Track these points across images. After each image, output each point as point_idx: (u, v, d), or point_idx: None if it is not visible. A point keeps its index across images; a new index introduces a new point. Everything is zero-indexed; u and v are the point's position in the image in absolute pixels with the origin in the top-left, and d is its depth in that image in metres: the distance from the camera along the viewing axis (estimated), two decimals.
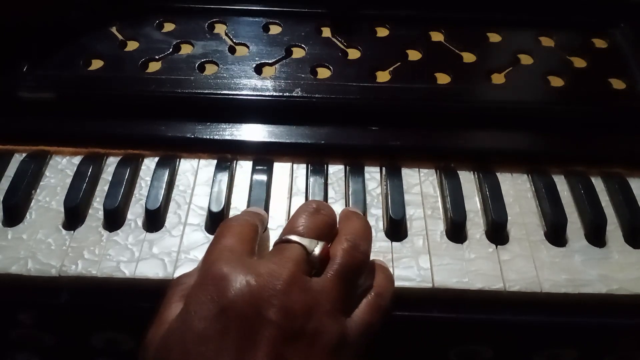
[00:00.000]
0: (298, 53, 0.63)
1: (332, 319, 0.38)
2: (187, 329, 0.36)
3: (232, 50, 0.63)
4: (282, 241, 0.41)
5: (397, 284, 0.46)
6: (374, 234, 0.49)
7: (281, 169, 0.55)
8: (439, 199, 0.53)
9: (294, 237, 0.40)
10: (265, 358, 0.35)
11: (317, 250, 0.40)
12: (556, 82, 0.61)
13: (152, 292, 0.46)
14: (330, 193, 0.53)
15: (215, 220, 0.50)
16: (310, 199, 0.52)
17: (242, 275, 0.37)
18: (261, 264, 0.39)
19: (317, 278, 0.39)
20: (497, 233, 0.50)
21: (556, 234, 0.50)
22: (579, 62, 0.64)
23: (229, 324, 0.36)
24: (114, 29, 0.65)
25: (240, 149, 0.55)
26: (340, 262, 0.40)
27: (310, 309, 0.37)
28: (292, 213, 0.51)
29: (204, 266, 0.39)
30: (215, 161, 0.55)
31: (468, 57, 0.63)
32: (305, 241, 0.40)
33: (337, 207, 0.51)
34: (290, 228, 0.42)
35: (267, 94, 0.57)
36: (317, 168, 0.54)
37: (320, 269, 0.40)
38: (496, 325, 0.48)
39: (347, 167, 0.55)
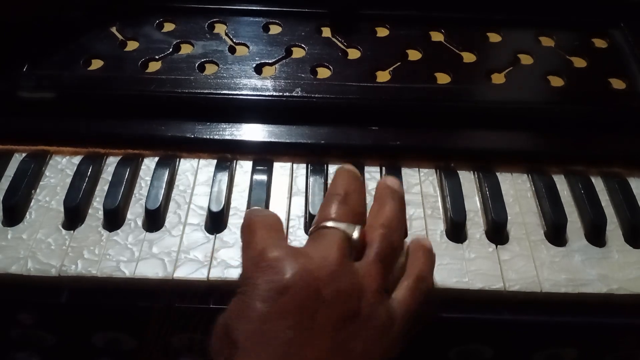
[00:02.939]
0: (298, 53, 0.63)
1: (379, 301, 0.39)
2: (248, 309, 0.37)
3: (232, 50, 0.63)
4: (320, 228, 0.41)
5: None
6: None
7: (281, 169, 0.55)
8: (439, 199, 0.53)
9: (332, 224, 0.41)
10: (327, 336, 0.36)
11: (356, 234, 0.41)
12: (556, 82, 0.61)
13: (152, 291, 0.47)
14: None
15: (215, 220, 0.50)
16: (310, 199, 0.52)
17: (294, 259, 0.38)
18: (309, 248, 0.40)
19: (359, 262, 0.40)
20: (497, 233, 0.50)
21: (556, 234, 0.50)
22: (579, 62, 0.64)
23: (289, 303, 0.36)
24: (114, 29, 0.65)
25: (240, 149, 0.55)
26: (379, 246, 0.41)
27: (360, 292, 0.38)
28: (292, 213, 0.51)
29: (252, 253, 0.40)
30: (215, 161, 0.55)
31: (468, 57, 0.63)
32: (342, 226, 0.41)
33: None
34: (324, 216, 0.42)
35: (267, 93, 0.57)
36: (317, 168, 0.54)
37: (360, 252, 0.41)
38: (496, 325, 0.48)
39: None
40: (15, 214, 0.50)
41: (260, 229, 0.42)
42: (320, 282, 0.37)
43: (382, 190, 0.46)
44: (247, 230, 0.42)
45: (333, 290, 0.37)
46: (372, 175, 0.54)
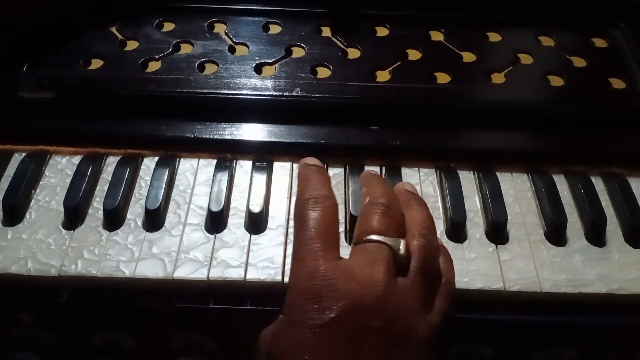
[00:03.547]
0: (298, 53, 0.63)
1: (422, 316, 0.39)
2: (294, 337, 0.37)
3: (232, 49, 0.63)
4: (366, 241, 0.40)
5: None
6: None
7: (281, 168, 0.55)
8: (439, 199, 0.53)
9: (379, 238, 0.40)
10: None
11: (402, 249, 0.40)
12: (556, 81, 0.61)
13: (152, 291, 0.47)
14: None
15: (215, 220, 0.50)
16: None
17: (342, 284, 0.37)
18: (356, 267, 0.39)
19: (403, 278, 0.40)
20: (497, 233, 0.50)
21: (556, 234, 0.50)
22: (579, 62, 0.64)
23: (337, 335, 0.36)
24: (114, 29, 0.64)
25: (240, 149, 0.55)
26: (421, 260, 0.40)
27: (405, 311, 0.38)
28: (292, 213, 0.51)
29: (300, 272, 0.39)
30: (215, 161, 0.55)
31: (468, 57, 0.63)
32: (389, 241, 0.40)
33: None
34: (369, 228, 0.41)
35: (267, 93, 0.57)
36: None
37: (404, 266, 0.40)
38: (496, 325, 0.48)
39: (347, 167, 0.55)
40: (15, 214, 0.50)
41: (314, 230, 0.40)
42: (368, 312, 0.37)
43: (404, 195, 0.45)
44: (303, 220, 0.41)
45: (380, 316, 0.37)
46: None
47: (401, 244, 0.40)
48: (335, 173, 0.54)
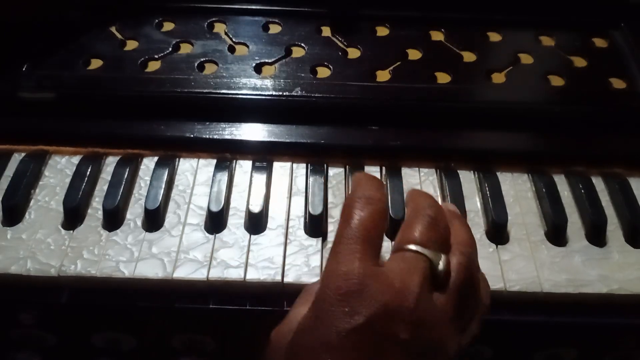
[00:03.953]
0: (298, 52, 0.63)
1: (452, 336, 0.38)
2: (319, 333, 0.36)
3: (231, 49, 0.63)
4: (405, 250, 0.39)
5: None
6: None
7: (281, 168, 0.55)
8: (439, 199, 0.53)
9: (419, 249, 0.39)
10: None
11: (441, 265, 0.39)
12: (556, 82, 0.61)
13: (152, 292, 0.47)
14: (330, 198, 0.53)
15: (215, 220, 0.50)
16: (310, 199, 0.52)
17: (375, 290, 0.36)
18: (392, 274, 0.38)
19: (438, 294, 0.39)
20: (498, 233, 0.50)
21: (556, 234, 0.50)
22: (579, 62, 0.64)
23: (364, 341, 0.36)
24: (114, 29, 0.64)
25: (240, 149, 0.55)
26: (460, 279, 0.39)
27: (436, 327, 0.37)
28: (292, 213, 0.51)
29: (334, 270, 0.38)
30: (214, 161, 0.55)
31: (468, 57, 0.63)
32: (429, 253, 0.39)
33: (338, 211, 0.51)
34: (410, 237, 0.40)
35: (266, 93, 0.57)
36: (317, 168, 0.54)
37: (441, 282, 0.39)
38: (496, 325, 0.48)
39: (347, 167, 0.55)
40: (14, 214, 0.50)
41: (357, 231, 0.39)
42: (397, 322, 0.36)
43: (447, 213, 0.44)
44: (348, 214, 0.40)
45: (409, 328, 0.36)
46: None
47: (442, 259, 0.39)
48: (335, 173, 0.54)
